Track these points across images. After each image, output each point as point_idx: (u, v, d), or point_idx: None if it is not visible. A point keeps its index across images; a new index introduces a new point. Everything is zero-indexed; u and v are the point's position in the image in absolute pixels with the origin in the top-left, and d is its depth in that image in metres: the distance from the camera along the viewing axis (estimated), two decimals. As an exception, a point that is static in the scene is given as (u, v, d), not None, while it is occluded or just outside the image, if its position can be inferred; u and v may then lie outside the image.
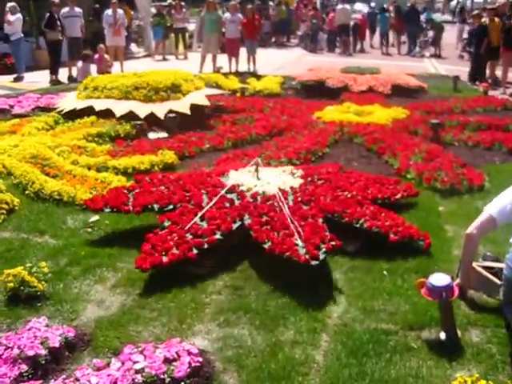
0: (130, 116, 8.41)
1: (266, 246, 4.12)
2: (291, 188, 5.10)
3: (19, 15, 13.68)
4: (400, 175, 6.19)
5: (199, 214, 4.50)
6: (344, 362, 3.17)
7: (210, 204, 4.67)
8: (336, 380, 3.02)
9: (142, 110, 8.55)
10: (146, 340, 3.31)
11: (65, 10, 13.81)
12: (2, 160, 6.48)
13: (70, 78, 13.58)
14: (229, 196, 4.87)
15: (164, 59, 18.65)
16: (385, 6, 23.92)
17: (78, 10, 14.05)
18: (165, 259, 3.98)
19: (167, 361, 2.95)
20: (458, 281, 3.66)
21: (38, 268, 3.90)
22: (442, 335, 3.34)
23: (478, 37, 13.83)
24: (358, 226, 4.54)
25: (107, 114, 8.49)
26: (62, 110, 8.98)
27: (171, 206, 4.75)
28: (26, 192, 5.71)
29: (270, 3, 25.28)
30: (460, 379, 2.77)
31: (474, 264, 3.77)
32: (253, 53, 15.50)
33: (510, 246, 3.43)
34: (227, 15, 15.66)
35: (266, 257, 4.25)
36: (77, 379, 2.82)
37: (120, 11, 14.79)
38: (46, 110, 9.54)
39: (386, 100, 10.72)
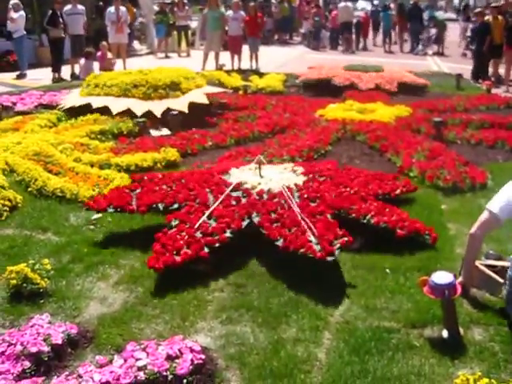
0: (132, 114, 8.41)
1: (278, 244, 4.12)
2: (296, 185, 5.10)
3: (22, 12, 13.67)
4: (403, 173, 6.18)
5: (207, 212, 4.49)
6: (346, 359, 3.16)
7: (218, 202, 4.66)
8: (338, 378, 3.02)
9: (139, 107, 8.53)
10: (149, 337, 3.31)
11: (68, 7, 13.82)
12: (5, 157, 6.48)
13: (73, 76, 13.60)
14: (234, 194, 4.87)
15: (166, 57, 18.64)
16: (388, 3, 23.88)
17: (80, 7, 14.06)
18: (177, 258, 3.96)
19: (170, 358, 2.95)
20: (460, 279, 3.66)
21: (41, 265, 3.91)
22: (445, 333, 3.34)
23: (480, 34, 13.81)
24: (365, 221, 4.55)
25: (108, 111, 8.49)
26: (62, 107, 9.01)
27: (176, 205, 4.74)
28: (29, 189, 5.72)
29: (273, 1, 25.24)
30: (462, 377, 2.77)
31: (477, 262, 3.76)
32: (255, 50, 15.49)
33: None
34: (229, 13, 15.65)
35: (268, 255, 4.26)
36: (79, 376, 2.83)
37: (123, 9, 14.80)
38: (49, 107, 9.56)
39: (389, 98, 10.71)
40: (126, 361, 2.93)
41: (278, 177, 5.26)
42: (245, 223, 4.41)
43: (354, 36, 22.13)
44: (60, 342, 3.15)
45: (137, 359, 2.92)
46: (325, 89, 11.54)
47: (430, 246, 4.51)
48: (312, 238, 4.09)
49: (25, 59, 14.03)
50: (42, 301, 3.74)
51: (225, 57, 15.22)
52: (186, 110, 8.59)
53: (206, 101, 9.24)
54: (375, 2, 28.82)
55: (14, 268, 3.77)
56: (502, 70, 13.54)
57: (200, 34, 18.25)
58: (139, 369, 2.85)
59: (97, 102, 8.70)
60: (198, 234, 4.22)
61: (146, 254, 4.33)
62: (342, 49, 21.81)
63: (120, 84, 9.00)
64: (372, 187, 5.24)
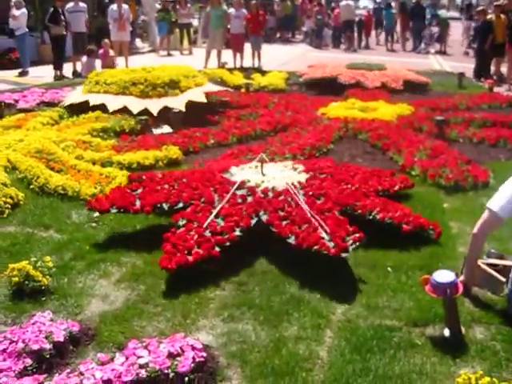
0: (130, 112, 8.40)
1: (290, 241, 4.13)
2: (299, 183, 5.10)
3: (24, 10, 13.69)
4: (405, 172, 6.18)
5: (215, 211, 4.47)
6: (348, 358, 3.16)
7: (224, 201, 4.64)
8: (340, 376, 3.02)
9: (136, 105, 8.51)
10: (150, 335, 3.31)
11: (70, 4, 13.81)
12: (7, 154, 6.48)
13: (75, 73, 13.60)
14: (239, 192, 4.86)
15: (169, 55, 18.65)
16: (390, 1, 23.86)
17: (82, 4, 14.06)
18: (190, 258, 3.95)
19: (171, 356, 2.94)
20: (462, 278, 3.66)
21: (43, 262, 3.90)
22: (446, 332, 3.34)
23: (482, 33, 13.79)
24: (370, 217, 4.56)
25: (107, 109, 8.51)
26: (63, 104, 9.03)
27: (181, 205, 4.71)
28: (31, 186, 5.72)
29: (275, -1, 25.29)
30: (464, 376, 2.76)
31: (479, 261, 3.76)
32: (258, 48, 15.49)
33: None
34: (232, 11, 15.64)
35: (270, 253, 4.26)
36: (81, 373, 2.82)
37: (125, 6, 14.77)
38: (51, 104, 9.56)
39: (391, 96, 10.70)
40: (127, 358, 2.93)
41: (280, 175, 5.26)
42: (253, 221, 4.40)
43: (356, 34, 22.11)
44: (62, 339, 3.15)
45: (138, 357, 2.92)
46: (327, 87, 11.53)
47: (432, 243, 4.51)
48: (324, 235, 4.09)
49: (27, 57, 14.04)
50: (43, 298, 3.74)
51: (227, 55, 15.21)
52: (184, 109, 8.56)
53: (204, 100, 9.18)
54: (378, 0, 28.80)
55: (16, 265, 3.77)
56: (504, 69, 13.52)
57: (202, 32, 18.27)
58: (141, 366, 2.85)
59: (94, 100, 8.70)
60: (208, 234, 4.21)
61: (147, 251, 4.34)
62: (344, 47, 21.79)
63: (119, 82, 9.00)
64: (372, 183, 5.27)
